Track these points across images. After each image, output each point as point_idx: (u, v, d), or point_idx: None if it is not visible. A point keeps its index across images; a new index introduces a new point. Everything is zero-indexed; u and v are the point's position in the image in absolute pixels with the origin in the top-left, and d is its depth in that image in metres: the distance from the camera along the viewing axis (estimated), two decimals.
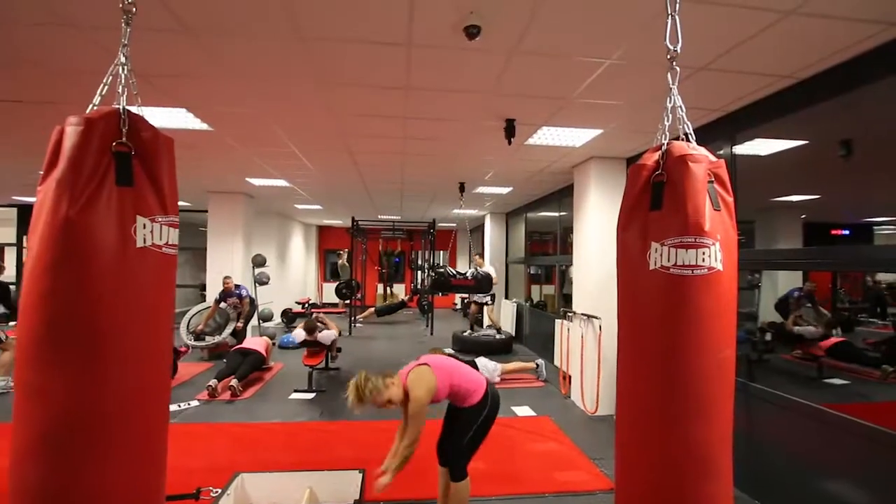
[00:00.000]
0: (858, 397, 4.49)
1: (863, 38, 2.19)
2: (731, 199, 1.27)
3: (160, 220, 1.12)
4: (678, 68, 1.36)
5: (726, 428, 1.23)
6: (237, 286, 6.96)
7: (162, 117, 3.61)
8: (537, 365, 5.94)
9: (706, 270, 1.16)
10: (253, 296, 7.41)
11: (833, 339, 5.45)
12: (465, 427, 2.46)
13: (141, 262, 1.08)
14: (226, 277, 6.92)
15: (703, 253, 1.15)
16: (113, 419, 1.06)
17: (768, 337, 5.95)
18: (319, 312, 7.00)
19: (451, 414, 2.56)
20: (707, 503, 1.16)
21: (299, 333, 5.52)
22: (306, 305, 11.17)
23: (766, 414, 2.96)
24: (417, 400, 2.29)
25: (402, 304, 11.77)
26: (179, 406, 4.55)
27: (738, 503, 2.91)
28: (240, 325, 6.91)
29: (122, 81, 1.16)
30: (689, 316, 1.17)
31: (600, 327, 4.60)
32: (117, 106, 1.10)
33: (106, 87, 1.18)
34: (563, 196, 6.57)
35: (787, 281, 7.10)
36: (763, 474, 2.95)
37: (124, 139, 1.08)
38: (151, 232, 1.10)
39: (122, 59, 1.17)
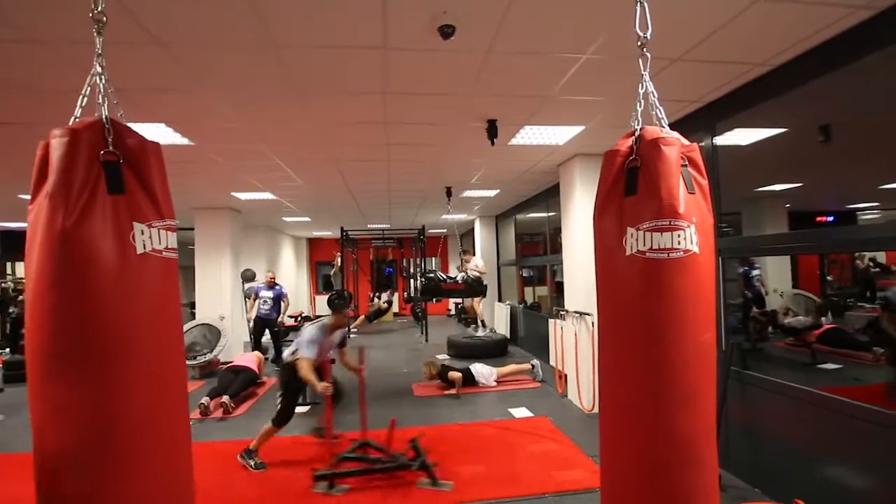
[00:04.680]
0: (852, 381, 4.52)
1: (832, 22, 2.22)
2: (705, 182, 1.27)
3: (157, 224, 1.12)
4: (649, 55, 1.37)
5: (709, 414, 1.21)
6: (275, 283, 7.45)
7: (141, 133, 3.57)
8: (533, 366, 5.92)
9: (682, 253, 1.15)
10: (247, 312, 7.59)
11: (823, 326, 5.52)
12: None
13: (143, 268, 1.08)
14: (268, 272, 7.62)
15: (679, 236, 1.15)
16: (138, 429, 1.04)
17: (758, 327, 6.03)
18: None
19: None
20: (691, 491, 1.14)
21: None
22: (299, 318, 11.07)
23: (762, 401, 2.96)
24: None
25: (389, 306, 12.48)
26: None
27: (736, 491, 2.91)
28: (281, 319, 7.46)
29: (101, 91, 1.15)
30: (667, 300, 1.16)
31: (593, 323, 4.59)
32: (100, 115, 1.09)
33: (85, 99, 1.17)
34: (551, 196, 6.59)
35: (775, 271, 7.18)
36: (760, 461, 2.94)
37: (111, 147, 1.08)
38: (150, 237, 1.10)
39: (98, 69, 1.16)
